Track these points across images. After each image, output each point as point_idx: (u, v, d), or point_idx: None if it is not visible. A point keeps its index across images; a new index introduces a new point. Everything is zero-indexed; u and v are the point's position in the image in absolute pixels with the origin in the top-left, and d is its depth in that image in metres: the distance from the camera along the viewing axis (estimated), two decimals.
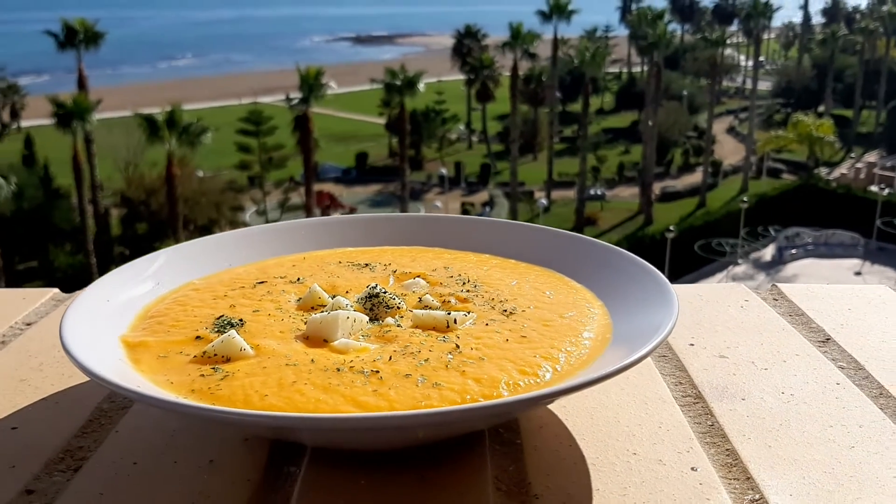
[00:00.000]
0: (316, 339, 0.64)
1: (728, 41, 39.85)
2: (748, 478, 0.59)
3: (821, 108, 44.96)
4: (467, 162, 38.24)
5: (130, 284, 0.73)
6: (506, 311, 0.70)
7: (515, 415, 0.60)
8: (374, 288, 0.70)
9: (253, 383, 0.57)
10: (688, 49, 49.73)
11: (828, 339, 0.82)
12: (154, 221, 29.17)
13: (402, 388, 0.56)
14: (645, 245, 24.27)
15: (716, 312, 0.89)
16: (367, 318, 0.67)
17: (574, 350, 0.63)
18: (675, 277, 23.24)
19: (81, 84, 29.01)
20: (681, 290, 0.96)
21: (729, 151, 40.20)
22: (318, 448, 0.62)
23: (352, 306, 0.69)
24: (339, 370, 0.58)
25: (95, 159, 28.18)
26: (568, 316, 0.69)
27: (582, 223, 30.03)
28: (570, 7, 34.88)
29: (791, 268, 24.72)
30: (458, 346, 0.62)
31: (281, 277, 0.77)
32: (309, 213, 27.62)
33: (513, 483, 0.59)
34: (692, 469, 0.60)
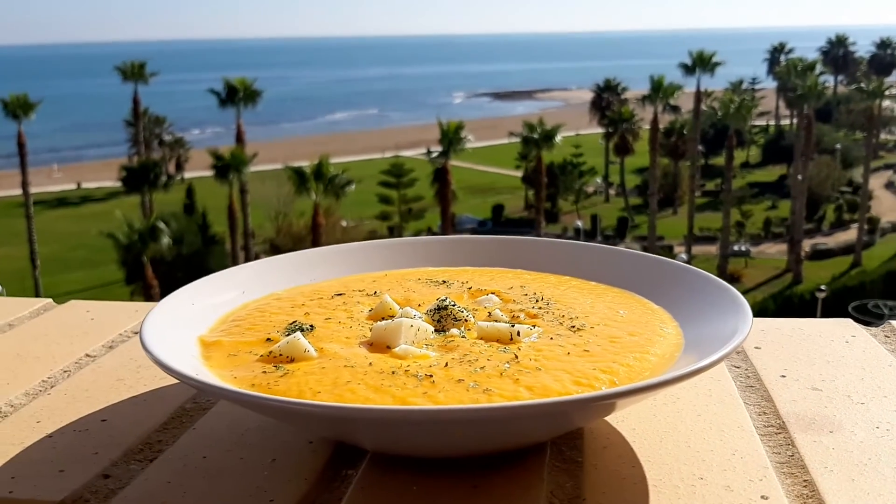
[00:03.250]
0: (379, 345, 0.65)
1: (886, 92, 37.65)
2: None
3: None
4: (604, 215, 37.76)
5: (218, 291, 0.77)
6: (574, 327, 0.68)
7: (569, 421, 0.58)
8: (444, 300, 0.71)
9: (308, 381, 0.58)
10: (842, 101, 47.40)
11: None
12: None
13: (452, 391, 0.56)
14: (794, 305, 23.00)
15: (816, 346, 0.84)
16: (431, 329, 0.67)
17: (637, 365, 0.61)
18: None
19: (239, 138, 31.01)
20: (782, 324, 0.91)
21: (888, 208, 37.71)
22: (377, 454, 0.62)
23: (420, 317, 0.69)
24: (393, 373, 0.59)
25: (249, 208, 29.90)
26: (638, 334, 0.67)
27: (725, 279, 28.86)
28: (715, 59, 34.14)
29: None
30: (516, 357, 0.61)
31: (359, 290, 0.79)
32: None
33: (567, 498, 0.57)
34: (762, 497, 0.56)
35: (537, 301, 0.74)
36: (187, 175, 42.62)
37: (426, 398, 0.55)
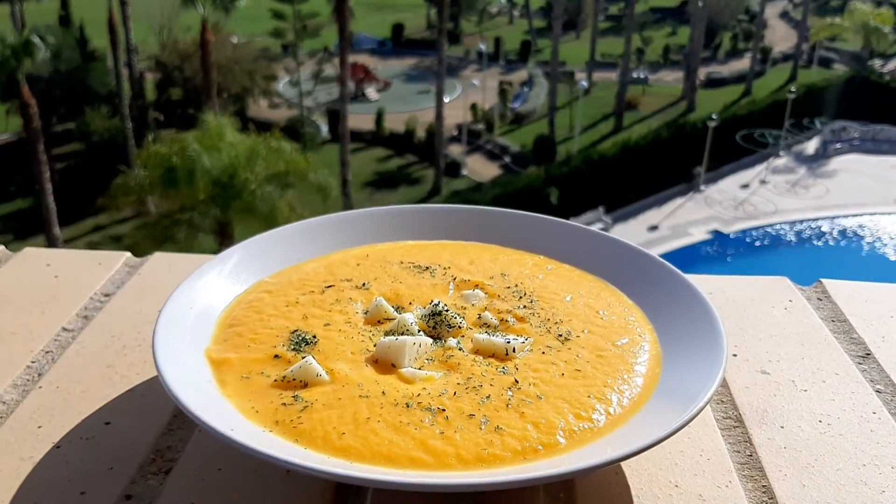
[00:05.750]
0: (385, 362, 0.68)
1: None
2: None
3: None
4: (507, 38, 37.17)
5: (210, 287, 0.77)
6: (560, 335, 0.73)
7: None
8: (437, 305, 0.74)
9: (331, 417, 0.62)
10: None
11: (868, 355, 0.85)
12: (188, 88, 29.11)
13: (466, 430, 0.61)
14: (686, 133, 23.77)
15: (759, 315, 0.92)
16: (430, 342, 0.71)
17: (626, 389, 0.67)
18: (714, 167, 22.86)
19: None
20: (725, 285, 0.99)
21: (780, 38, 38.58)
22: None
23: (416, 323, 0.73)
24: (408, 406, 0.63)
25: (130, 21, 27.88)
26: (620, 344, 0.72)
27: (622, 108, 29.40)
28: None
29: (834, 163, 24.17)
30: (517, 382, 0.66)
31: (347, 280, 0.81)
32: (343, 86, 27.32)
33: None
34: None
35: (520, 298, 0.79)
36: None
37: (443, 439, 0.60)
